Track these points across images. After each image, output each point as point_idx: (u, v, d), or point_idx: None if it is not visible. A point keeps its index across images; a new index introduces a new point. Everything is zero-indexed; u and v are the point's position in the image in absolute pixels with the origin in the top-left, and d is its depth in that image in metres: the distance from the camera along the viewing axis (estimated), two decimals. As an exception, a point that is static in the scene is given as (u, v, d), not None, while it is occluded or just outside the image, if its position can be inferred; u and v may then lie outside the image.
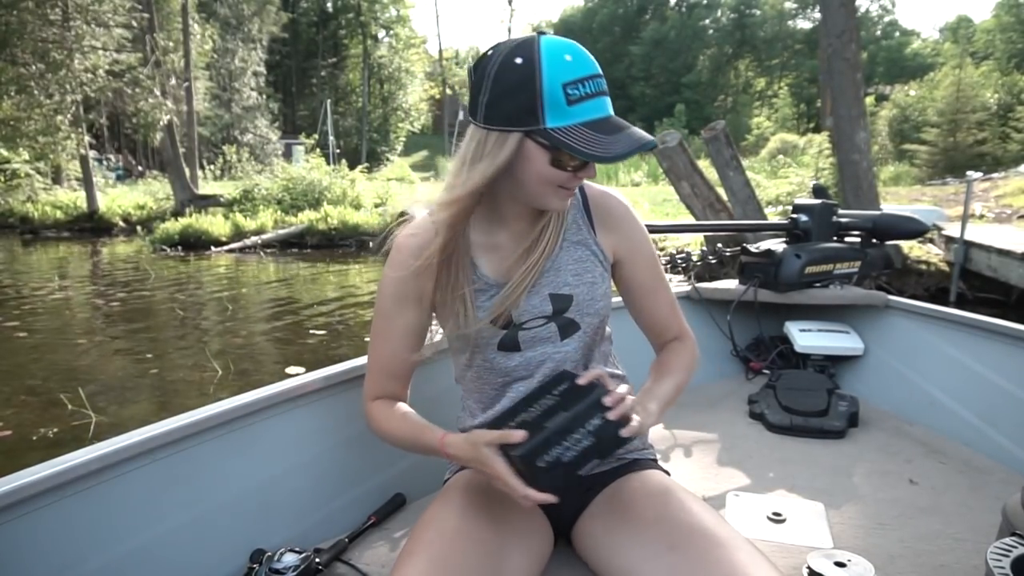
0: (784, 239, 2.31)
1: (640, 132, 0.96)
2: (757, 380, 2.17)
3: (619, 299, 1.22)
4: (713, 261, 2.46)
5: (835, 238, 2.28)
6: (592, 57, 0.97)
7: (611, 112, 0.97)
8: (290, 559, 1.08)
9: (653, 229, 1.69)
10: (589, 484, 1.15)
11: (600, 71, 0.97)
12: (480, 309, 1.08)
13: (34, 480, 0.96)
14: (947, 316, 1.91)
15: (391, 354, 1.15)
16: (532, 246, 1.07)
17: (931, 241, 7.90)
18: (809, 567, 1.02)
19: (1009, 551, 0.87)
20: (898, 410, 1.95)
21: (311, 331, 6.36)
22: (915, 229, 2.33)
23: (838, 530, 1.30)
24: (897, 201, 11.78)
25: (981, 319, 1.79)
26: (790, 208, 2.37)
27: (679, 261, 2.43)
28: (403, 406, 1.16)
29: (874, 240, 2.29)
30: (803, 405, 1.84)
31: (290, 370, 4.93)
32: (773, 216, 9.40)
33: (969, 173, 7.76)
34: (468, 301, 1.07)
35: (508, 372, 1.12)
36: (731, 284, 2.28)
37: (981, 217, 10.08)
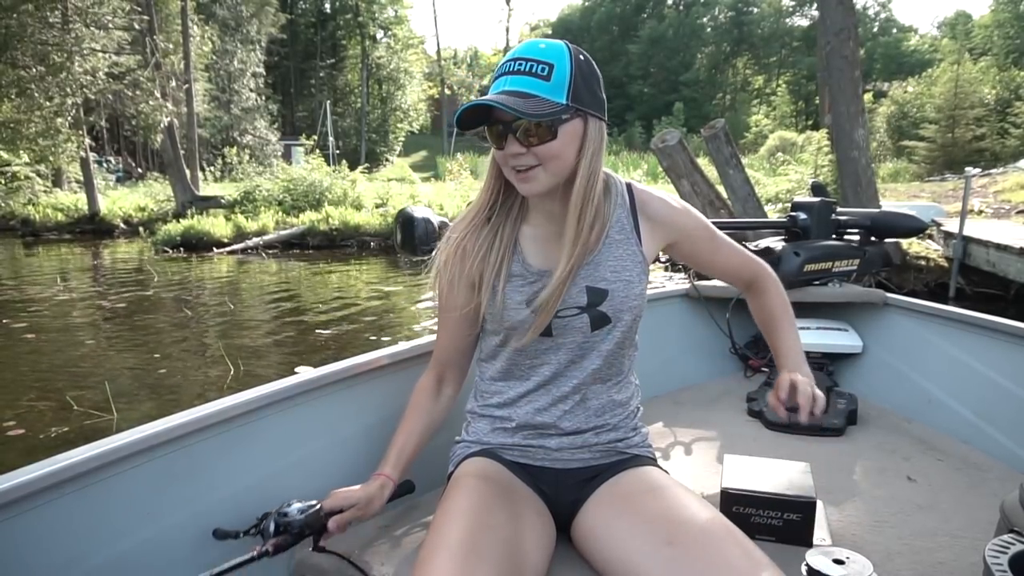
0: (783, 237, 2.31)
1: (507, 100, 0.98)
2: (756, 378, 2.17)
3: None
4: None
5: (834, 236, 2.27)
6: (539, 45, 1.03)
7: (510, 87, 1.00)
8: (297, 506, 1.10)
9: None
10: (587, 477, 1.17)
11: (530, 55, 1.02)
12: (519, 293, 1.14)
13: (33, 478, 0.96)
14: (945, 314, 1.90)
15: (445, 339, 1.26)
16: (573, 239, 1.09)
17: (930, 237, 7.93)
18: (807, 564, 1.02)
19: (1007, 548, 0.87)
20: (896, 408, 1.95)
21: (316, 330, 6.39)
22: (914, 226, 2.32)
23: (836, 527, 1.30)
24: (896, 197, 11.83)
25: (979, 317, 1.78)
26: (789, 205, 2.38)
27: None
28: (420, 410, 1.25)
29: (873, 238, 2.28)
30: None
31: (299, 369, 4.97)
32: (773, 214, 9.43)
33: (967, 169, 7.78)
34: (503, 284, 1.14)
35: (537, 355, 1.17)
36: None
37: (980, 213, 10.11)
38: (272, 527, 1.08)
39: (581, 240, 1.08)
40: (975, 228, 7.39)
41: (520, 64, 1.01)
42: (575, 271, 1.11)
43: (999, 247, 6.50)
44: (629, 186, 1.20)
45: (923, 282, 7.26)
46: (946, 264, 7.27)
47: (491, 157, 1.13)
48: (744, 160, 8.28)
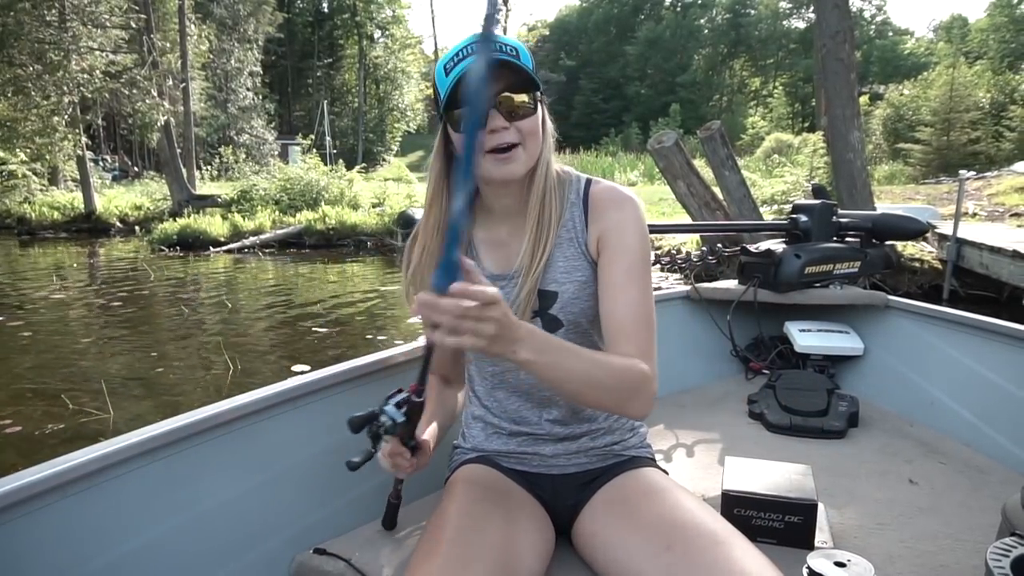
0: (784, 239, 2.32)
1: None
2: (757, 380, 2.17)
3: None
4: (713, 261, 2.48)
5: (835, 238, 2.27)
6: (493, 33, 0.95)
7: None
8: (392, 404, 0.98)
9: (653, 229, 1.64)
10: (586, 481, 1.16)
11: (484, 36, 0.94)
12: None
13: (34, 480, 0.96)
14: (947, 316, 1.90)
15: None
16: (530, 244, 1.08)
17: (924, 239, 7.98)
18: (809, 567, 1.01)
19: (1009, 551, 0.87)
20: (898, 410, 1.94)
21: (313, 329, 6.40)
22: (915, 229, 2.31)
23: (838, 530, 1.30)
24: (891, 200, 11.87)
25: (981, 319, 1.78)
26: (785, 207, 2.39)
27: (679, 261, 2.46)
28: (433, 395, 1.21)
29: (874, 240, 2.28)
30: (803, 405, 1.84)
31: (296, 368, 4.98)
32: (768, 215, 9.47)
33: (961, 172, 7.84)
34: None
35: (496, 361, 1.16)
36: (731, 284, 2.29)
37: (974, 215, 10.17)
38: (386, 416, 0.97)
39: (545, 233, 1.07)
40: (969, 231, 7.43)
41: (479, 46, 0.96)
42: (540, 266, 1.08)
43: (992, 249, 6.55)
44: (588, 182, 1.14)
45: (917, 284, 7.30)
46: (940, 266, 7.31)
47: (437, 158, 1.09)
48: (740, 162, 8.32)
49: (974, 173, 12.83)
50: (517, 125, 1.01)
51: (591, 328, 1.14)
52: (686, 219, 7.38)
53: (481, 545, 0.95)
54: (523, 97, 1.01)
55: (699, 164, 7.91)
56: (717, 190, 7.14)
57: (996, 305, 6.58)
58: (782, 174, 13.14)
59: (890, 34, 47.79)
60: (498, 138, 1.00)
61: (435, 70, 1.05)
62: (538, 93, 1.03)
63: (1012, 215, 10.10)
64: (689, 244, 8.60)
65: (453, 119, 1.03)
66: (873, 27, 47.45)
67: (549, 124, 1.09)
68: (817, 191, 2.52)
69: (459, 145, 1.02)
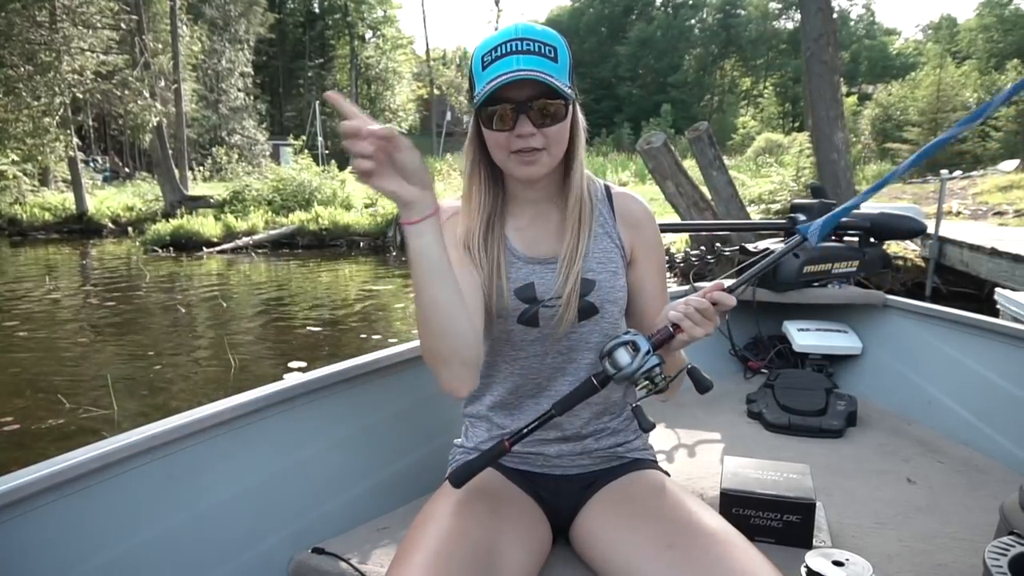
0: (782, 238, 2.35)
1: (528, 70, 0.97)
2: (755, 379, 2.18)
3: None
4: (712, 260, 2.54)
5: (833, 237, 2.29)
6: (535, 27, 1.02)
7: (520, 65, 0.97)
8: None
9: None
10: (588, 482, 1.16)
11: (534, 36, 1.00)
12: (511, 281, 1.12)
13: (35, 479, 0.96)
14: (945, 316, 1.89)
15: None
16: (573, 228, 1.10)
17: (910, 238, 8.12)
18: (807, 566, 1.00)
19: (1007, 550, 0.87)
20: (896, 409, 1.95)
21: (308, 328, 6.46)
22: (913, 228, 2.33)
23: (836, 529, 1.30)
24: (878, 199, 12.01)
25: (979, 318, 1.78)
26: (772, 206, 2.43)
27: (678, 261, 2.50)
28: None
29: (872, 240, 2.30)
30: (801, 404, 1.85)
31: (292, 365, 5.04)
32: (755, 214, 9.57)
33: (943, 172, 7.99)
34: (503, 272, 1.11)
35: (523, 347, 1.14)
36: (729, 283, 2.34)
37: (958, 214, 10.34)
38: None
39: (586, 229, 1.11)
40: (951, 229, 7.57)
41: (527, 44, 0.99)
42: (580, 252, 1.10)
43: (972, 247, 6.69)
44: (607, 187, 1.20)
45: (900, 282, 7.39)
46: (923, 264, 7.44)
47: (471, 146, 1.11)
48: (732, 161, 8.43)
49: (960, 173, 13.04)
50: (544, 131, 1.02)
51: (620, 317, 1.18)
52: (675, 218, 7.49)
53: (461, 541, 0.94)
54: (554, 104, 1.01)
55: (689, 164, 8.02)
56: (706, 190, 7.25)
57: (977, 302, 6.70)
58: (769, 174, 13.28)
59: (877, 36, 48.17)
60: (524, 143, 1.02)
61: (472, 58, 1.05)
62: (571, 99, 1.03)
63: (995, 213, 10.29)
64: (678, 243, 8.71)
65: (486, 116, 1.03)
66: (862, 26, 47.81)
67: (581, 124, 1.10)
68: (816, 190, 2.54)
69: (497, 141, 1.05)
